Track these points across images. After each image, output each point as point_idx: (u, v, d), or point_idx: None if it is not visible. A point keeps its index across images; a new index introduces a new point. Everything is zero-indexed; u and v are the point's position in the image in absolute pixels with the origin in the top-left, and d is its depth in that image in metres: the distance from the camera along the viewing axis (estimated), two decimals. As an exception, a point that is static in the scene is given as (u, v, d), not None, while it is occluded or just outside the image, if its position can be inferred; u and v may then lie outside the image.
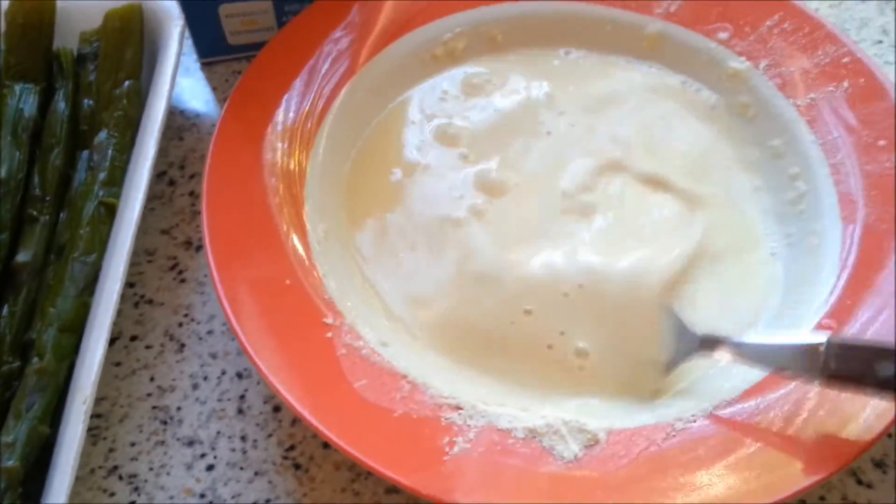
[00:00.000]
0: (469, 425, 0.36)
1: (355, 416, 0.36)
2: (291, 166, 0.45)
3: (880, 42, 0.56)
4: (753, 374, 0.38)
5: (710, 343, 0.38)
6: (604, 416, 0.37)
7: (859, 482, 0.39)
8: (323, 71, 0.48)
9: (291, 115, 0.46)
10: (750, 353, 0.37)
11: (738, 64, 0.49)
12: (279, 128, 0.46)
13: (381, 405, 0.36)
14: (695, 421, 0.36)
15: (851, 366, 0.34)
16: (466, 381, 0.39)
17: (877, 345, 0.35)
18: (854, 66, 0.47)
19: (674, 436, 0.36)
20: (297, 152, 0.45)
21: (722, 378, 0.39)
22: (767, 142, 0.47)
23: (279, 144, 0.45)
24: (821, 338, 0.34)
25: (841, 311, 0.39)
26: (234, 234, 0.41)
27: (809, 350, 0.35)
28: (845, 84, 0.47)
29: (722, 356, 0.38)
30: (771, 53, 0.49)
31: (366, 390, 0.37)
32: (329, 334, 0.39)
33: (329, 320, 0.39)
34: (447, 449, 0.35)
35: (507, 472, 0.35)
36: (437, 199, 0.46)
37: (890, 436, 0.40)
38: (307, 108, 0.47)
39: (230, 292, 0.39)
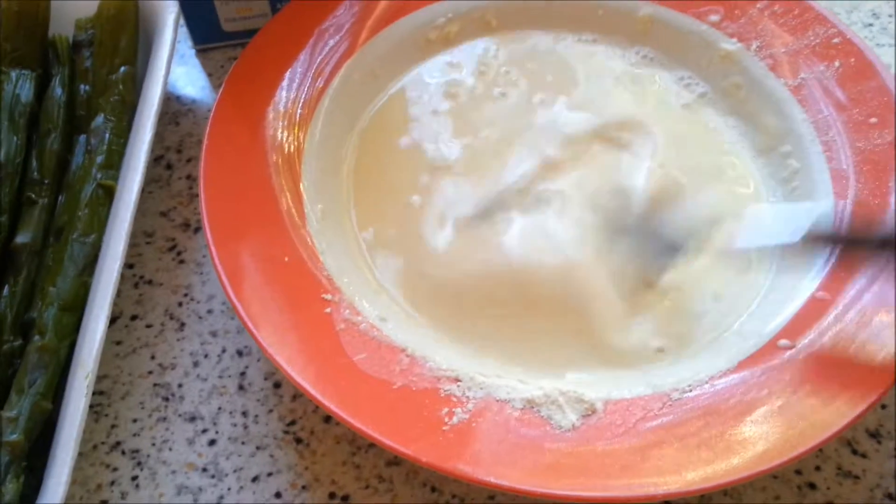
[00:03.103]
0: (468, 396, 0.36)
1: (355, 388, 0.36)
2: (290, 144, 0.45)
3: (871, 25, 0.57)
4: (749, 345, 0.38)
5: None
6: (601, 386, 0.38)
7: (854, 452, 0.39)
8: (322, 52, 0.48)
9: (292, 93, 0.47)
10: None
11: (730, 45, 0.50)
12: (280, 105, 0.46)
13: (380, 378, 0.37)
14: (691, 391, 0.37)
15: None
16: (465, 357, 0.39)
17: None
18: (844, 46, 0.48)
19: (670, 405, 0.36)
20: (295, 130, 0.45)
21: (717, 350, 0.39)
22: (760, 121, 0.48)
23: (280, 122, 0.45)
24: None
25: (834, 282, 0.40)
26: (232, 210, 0.41)
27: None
28: (836, 63, 0.47)
29: None
30: (762, 35, 0.49)
31: (365, 364, 0.37)
32: (328, 310, 0.39)
33: (328, 296, 0.39)
34: (446, 419, 0.35)
35: (506, 440, 0.35)
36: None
37: (884, 406, 0.40)
38: (307, 87, 0.47)
39: (229, 268, 0.39)
